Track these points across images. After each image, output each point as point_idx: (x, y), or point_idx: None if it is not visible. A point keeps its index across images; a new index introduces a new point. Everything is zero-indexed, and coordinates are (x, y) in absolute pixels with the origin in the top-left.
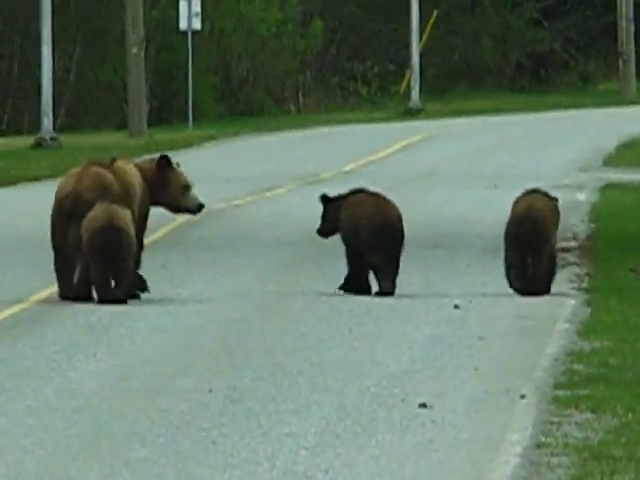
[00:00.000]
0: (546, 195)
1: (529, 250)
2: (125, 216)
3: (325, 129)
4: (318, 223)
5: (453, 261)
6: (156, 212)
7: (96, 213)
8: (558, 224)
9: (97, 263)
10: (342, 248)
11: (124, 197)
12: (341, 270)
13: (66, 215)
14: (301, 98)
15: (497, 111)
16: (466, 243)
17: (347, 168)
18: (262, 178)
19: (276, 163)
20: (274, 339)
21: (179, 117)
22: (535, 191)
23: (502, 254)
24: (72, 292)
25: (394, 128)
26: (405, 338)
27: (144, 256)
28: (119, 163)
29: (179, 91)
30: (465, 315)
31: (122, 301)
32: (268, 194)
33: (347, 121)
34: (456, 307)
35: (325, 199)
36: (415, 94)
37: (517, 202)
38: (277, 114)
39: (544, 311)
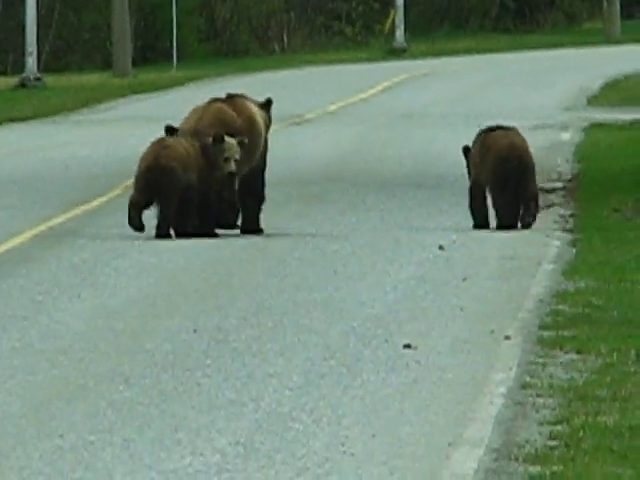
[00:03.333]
0: (515, 130)
1: (518, 187)
2: (175, 153)
3: (309, 69)
4: (303, 163)
5: (437, 201)
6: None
7: (146, 151)
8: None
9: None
10: (326, 188)
11: (248, 131)
12: (326, 210)
13: None
14: (285, 38)
15: (482, 51)
16: (450, 183)
17: (332, 108)
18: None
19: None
20: (258, 279)
21: (163, 57)
22: (500, 127)
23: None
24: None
25: (379, 68)
26: (389, 278)
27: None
28: (238, 99)
29: (163, 31)
30: (449, 256)
31: (161, 236)
32: None
33: (331, 61)
34: (440, 248)
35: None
36: (400, 33)
37: (489, 138)
38: (261, 54)
39: (529, 252)
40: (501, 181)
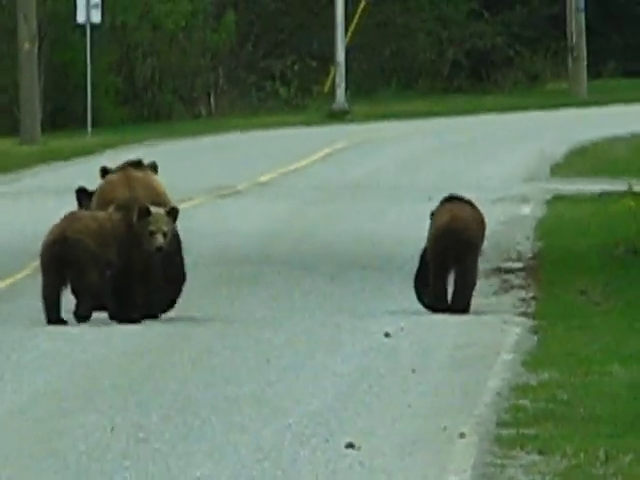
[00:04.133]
0: (468, 203)
1: (455, 265)
2: (85, 226)
3: (239, 135)
4: (233, 240)
5: (383, 284)
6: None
7: (53, 226)
8: (484, 236)
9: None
10: (258, 269)
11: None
12: (259, 294)
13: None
14: (213, 100)
15: (432, 114)
16: (398, 265)
17: (264, 178)
18: (169, 190)
19: (185, 173)
20: (184, 372)
21: (76, 122)
22: (454, 198)
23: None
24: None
25: (317, 133)
26: (329, 371)
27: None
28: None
29: (76, 93)
30: (396, 344)
31: (82, 318)
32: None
33: (264, 125)
34: (387, 335)
35: None
36: (340, 94)
37: (438, 212)
38: (186, 119)
39: (485, 340)
40: (437, 257)
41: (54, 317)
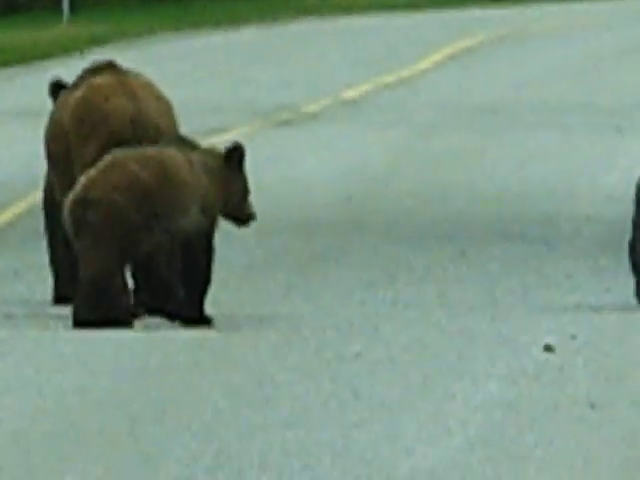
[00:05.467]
0: None
1: None
2: (125, 177)
3: (310, 22)
4: (301, 194)
5: (542, 266)
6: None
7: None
8: None
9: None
10: (341, 240)
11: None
12: (341, 281)
13: None
14: None
15: None
16: (567, 235)
17: (350, 94)
18: (200, 111)
19: (221, 85)
20: (214, 403)
21: (48, 3)
22: None
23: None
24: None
25: (433, 21)
26: (454, 406)
27: None
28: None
29: None
30: (564, 363)
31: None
32: (210, 141)
33: (349, 8)
34: (548, 349)
35: None
36: None
37: None
38: None
39: None
40: None
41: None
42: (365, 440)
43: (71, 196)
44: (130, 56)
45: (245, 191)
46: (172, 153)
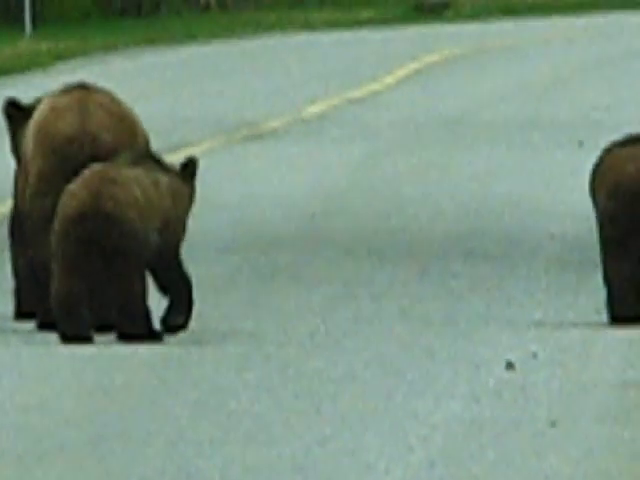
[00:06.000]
0: None
1: None
2: (130, 192)
3: (274, 39)
4: (262, 209)
5: (504, 282)
6: None
7: (71, 188)
8: None
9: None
10: (301, 256)
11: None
12: (302, 297)
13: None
14: None
15: (579, 7)
16: (528, 252)
17: (313, 110)
18: (159, 128)
19: (185, 101)
20: (182, 419)
21: (9, 19)
22: (636, 140)
23: (596, 263)
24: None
25: (398, 38)
26: (417, 424)
27: None
28: (99, 91)
29: None
30: (526, 381)
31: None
32: (170, 157)
33: (313, 25)
34: (509, 366)
35: None
36: None
37: (610, 161)
38: (185, 13)
39: None
40: (619, 231)
41: (81, 329)
42: (327, 457)
43: (68, 209)
44: (93, 71)
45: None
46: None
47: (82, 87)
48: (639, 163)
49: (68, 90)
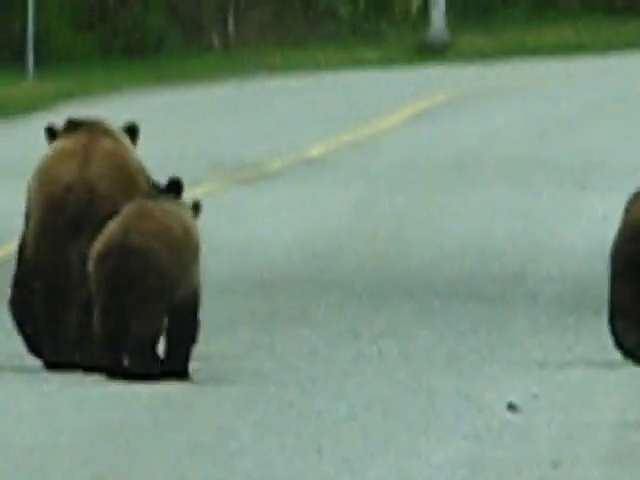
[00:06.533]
0: None
1: None
2: (162, 226)
3: (275, 80)
4: (262, 253)
5: (506, 324)
6: None
7: (110, 225)
8: None
9: (103, 309)
10: (303, 300)
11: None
12: (303, 340)
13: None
14: (232, 24)
15: (582, 49)
16: (529, 293)
17: (314, 152)
18: (162, 167)
19: (187, 141)
20: (178, 465)
21: (11, 59)
22: None
23: (603, 305)
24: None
25: (400, 78)
26: (418, 464)
27: None
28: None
29: (13, 14)
30: (527, 422)
31: (142, 376)
32: None
33: (314, 65)
34: (511, 407)
35: None
36: (438, 17)
37: (634, 205)
38: (188, 53)
39: None
40: (626, 268)
41: (119, 366)
42: None
43: (101, 246)
44: (95, 112)
45: None
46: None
47: (90, 128)
48: None
49: (77, 128)
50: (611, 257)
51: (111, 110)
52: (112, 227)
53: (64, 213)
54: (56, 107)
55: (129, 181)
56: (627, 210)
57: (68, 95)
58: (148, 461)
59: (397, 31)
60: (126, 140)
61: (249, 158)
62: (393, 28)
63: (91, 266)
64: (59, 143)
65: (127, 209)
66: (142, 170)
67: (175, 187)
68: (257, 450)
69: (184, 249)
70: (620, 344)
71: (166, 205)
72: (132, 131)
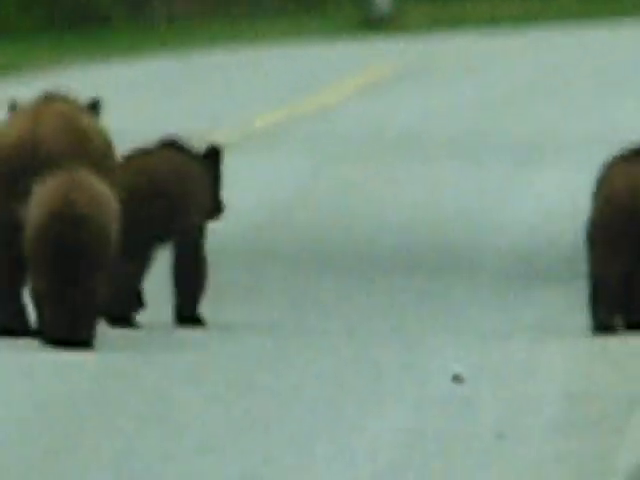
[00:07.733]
0: None
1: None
2: (96, 194)
3: (220, 54)
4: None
5: (449, 296)
6: None
7: (46, 188)
8: None
9: (44, 276)
10: (250, 271)
11: (108, 153)
12: (250, 312)
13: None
14: None
15: (530, 21)
16: (474, 265)
17: (260, 124)
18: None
19: (131, 114)
20: (128, 431)
21: None
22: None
23: (550, 277)
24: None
25: (344, 51)
26: (362, 438)
27: None
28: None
29: None
30: (472, 393)
31: (85, 344)
32: None
33: (260, 38)
34: (456, 379)
35: None
36: None
37: (610, 173)
38: (132, 27)
39: (616, 388)
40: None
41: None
42: (275, 472)
43: (42, 216)
44: (37, 86)
45: None
46: None
47: (48, 95)
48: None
49: (39, 99)
50: (594, 234)
51: (50, 84)
52: (47, 196)
53: (11, 169)
54: (1, 80)
55: (80, 142)
56: (602, 183)
57: (12, 68)
58: (94, 434)
59: (342, 2)
60: (86, 111)
61: (197, 130)
62: (338, 1)
63: (31, 235)
64: (19, 111)
65: (57, 179)
66: (99, 134)
67: (214, 154)
68: (204, 422)
69: (115, 213)
70: (599, 320)
71: (88, 176)
72: (95, 107)
